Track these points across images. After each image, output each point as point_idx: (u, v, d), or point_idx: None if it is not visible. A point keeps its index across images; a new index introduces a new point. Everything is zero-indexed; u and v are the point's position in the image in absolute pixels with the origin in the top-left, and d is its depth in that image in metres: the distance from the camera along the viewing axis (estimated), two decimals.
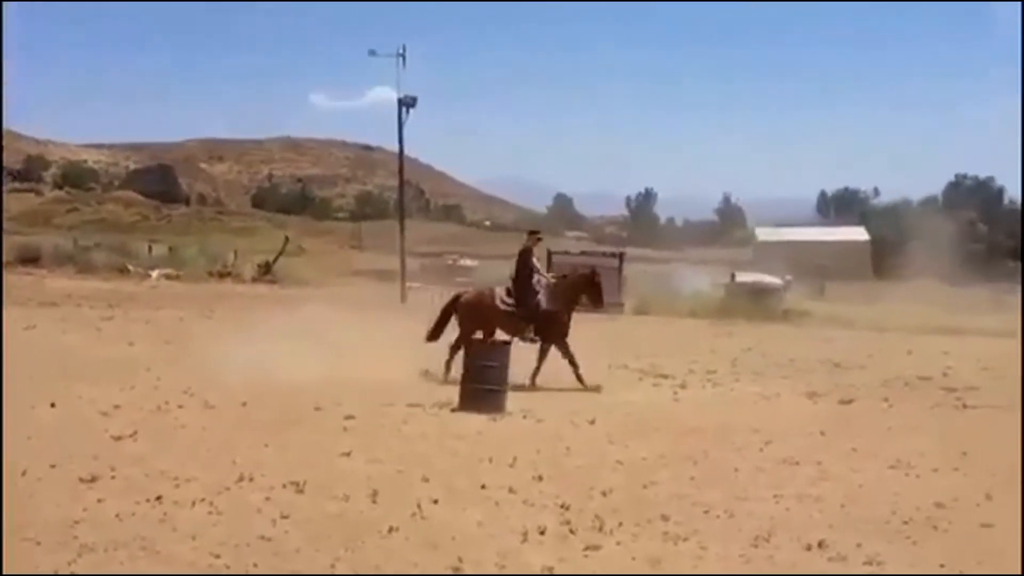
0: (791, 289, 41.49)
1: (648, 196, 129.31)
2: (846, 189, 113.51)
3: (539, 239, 14.47)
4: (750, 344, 20.92)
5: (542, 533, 6.25)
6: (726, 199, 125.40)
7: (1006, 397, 13.62)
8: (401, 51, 37.53)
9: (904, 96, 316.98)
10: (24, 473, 7.04)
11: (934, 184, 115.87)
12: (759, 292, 35.84)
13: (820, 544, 6.22)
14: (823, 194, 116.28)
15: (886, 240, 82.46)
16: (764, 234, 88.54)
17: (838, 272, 60.65)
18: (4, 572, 4.51)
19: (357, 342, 13.52)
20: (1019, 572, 5.34)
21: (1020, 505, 6.43)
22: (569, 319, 13.57)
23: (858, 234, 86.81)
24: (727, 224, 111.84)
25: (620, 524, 6.52)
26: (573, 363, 13.02)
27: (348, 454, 8.30)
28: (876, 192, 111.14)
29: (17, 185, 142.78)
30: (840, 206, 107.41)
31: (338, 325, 14.96)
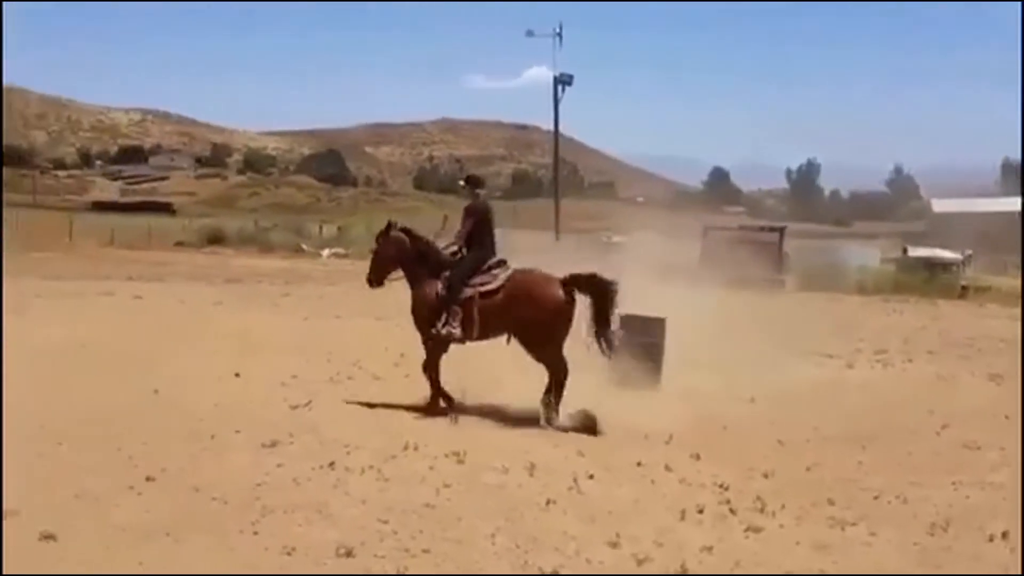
0: (971, 264, 39.32)
1: (811, 167, 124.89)
2: None
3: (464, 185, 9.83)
4: (924, 322, 20.04)
5: (700, 512, 6.25)
6: (897, 169, 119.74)
7: None
8: (558, 30, 37.76)
9: None
10: (213, 437, 7.60)
11: None
12: (935, 267, 34.16)
13: (1004, 535, 5.90)
14: (1006, 161, 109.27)
15: None
16: (940, 205, 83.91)
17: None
18: (4, 572, 4.79)
19: None
20: (1019, 572, 5.27)
21: (1020, 507, 6.17)
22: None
23: None
24: (899, 195, 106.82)
25: (783, 506, 6.44)
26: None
27: (505, 426, 8.51)
28: None
29: (204, 171, 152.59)
30: None
31: None
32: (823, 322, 19.08)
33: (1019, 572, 5.34)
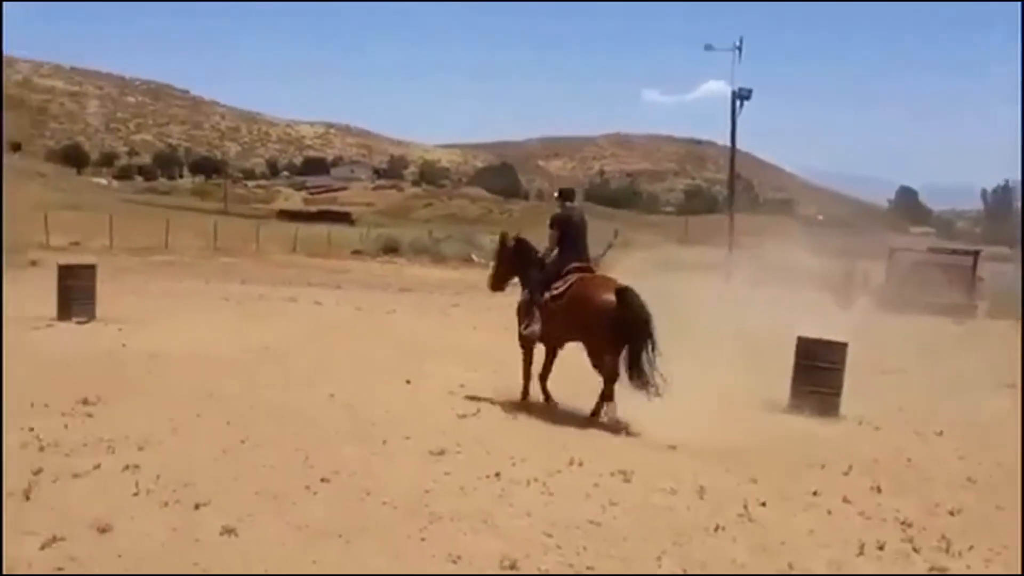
0: None
1: (1007, 189, 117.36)
2: None
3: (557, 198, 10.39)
4: None
5: (880, 548, 5.92)
6: None
7: None
8: (738, 44, 37.00)
9: None
10: (384, 442, 7.80)
11: None
12: None
13: None
14: None
15: None
16: None
17: None
18: (4, 572, 4.86)
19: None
20: (1019, 572, 5.22)
21: (1020, 507, 6.19)
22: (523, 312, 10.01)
23: None
24: None
25: (970, 547, 6.02)
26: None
27: (675, 448, 8.32)
28: None
29: (382, 182, 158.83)
30: None
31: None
32: (1019, 351, 17.79)
33: (1019, 572, 5.25)
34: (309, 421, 8.40)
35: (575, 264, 9.66)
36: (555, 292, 9.56)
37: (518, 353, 10.15)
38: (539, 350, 10.09)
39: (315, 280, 28.00)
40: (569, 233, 9.84)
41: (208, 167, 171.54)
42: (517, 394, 10.08)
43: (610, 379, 9.18)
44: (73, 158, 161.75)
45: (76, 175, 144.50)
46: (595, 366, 9.30)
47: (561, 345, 9.85)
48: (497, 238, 10.68)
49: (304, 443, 7.58)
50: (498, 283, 10.62)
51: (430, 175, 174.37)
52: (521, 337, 9.97)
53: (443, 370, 11.44)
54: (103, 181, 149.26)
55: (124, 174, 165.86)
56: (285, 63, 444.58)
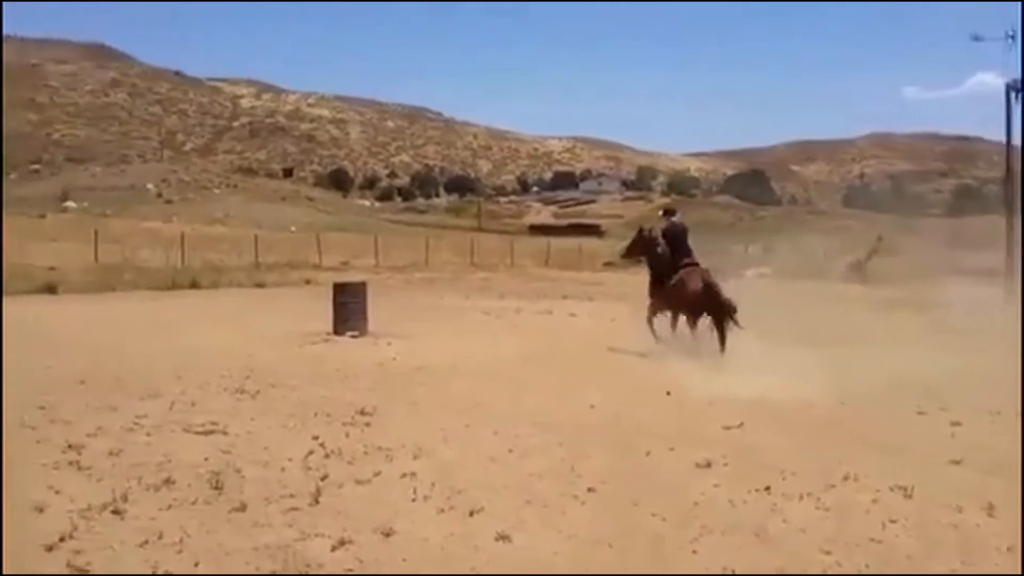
0: None
1: None
2: None
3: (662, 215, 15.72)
4: None
5: None
6: None
7: None
8: (1011, 33, 34.09)
9: None
10: (648, 454, 7.81)
11: None
12: None
13: None
14: None
15: None
16: None
17: None
18: (4, 572, 4.87)
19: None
20: (1019, 572, 5.23)
21: (1020, 506, 6.11)
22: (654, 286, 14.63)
23: None
24: None
25: None
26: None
27: (958, 462, 7.78)
28: None
29: (630, 193, 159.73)
30: None
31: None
32: None
33: (1019, 572, 5.21)
34: (572, 430, 8.55)
35: (686, 260, 14.00)
36: (673, 281, 13.79)
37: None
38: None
39: (569, 292, 28.47)
40: (675, 240, 14.35)
41: (462, 186, 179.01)
42: (784, 408, 9.80)
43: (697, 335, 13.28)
44: (338, 182, 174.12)
45: (342, 198, 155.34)
46: (690, 327, 13.49)
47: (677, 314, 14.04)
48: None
49: (569, 452, 7.74)
50: (628, 254, 16.04)
51: (679, 185, 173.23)
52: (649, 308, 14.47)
53: (703, 380, 11.27)
54: (366, 203, 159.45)
55: (385, 195, 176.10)
56: (532, 81, 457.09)
